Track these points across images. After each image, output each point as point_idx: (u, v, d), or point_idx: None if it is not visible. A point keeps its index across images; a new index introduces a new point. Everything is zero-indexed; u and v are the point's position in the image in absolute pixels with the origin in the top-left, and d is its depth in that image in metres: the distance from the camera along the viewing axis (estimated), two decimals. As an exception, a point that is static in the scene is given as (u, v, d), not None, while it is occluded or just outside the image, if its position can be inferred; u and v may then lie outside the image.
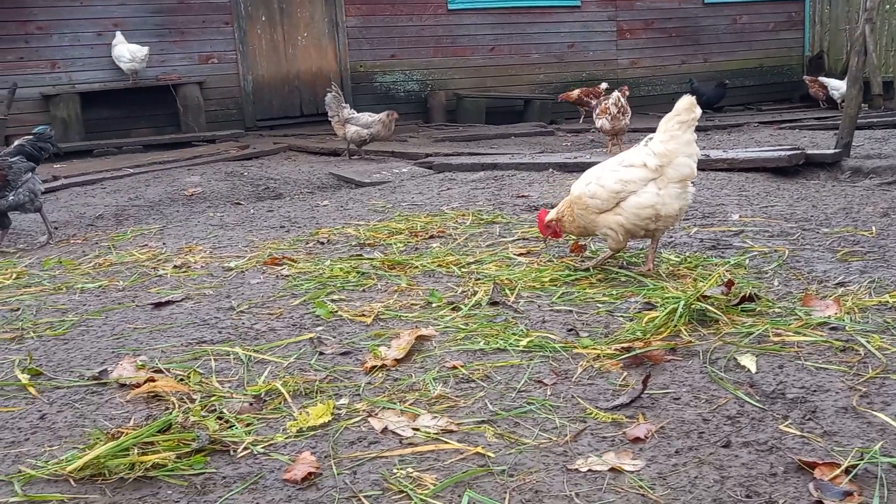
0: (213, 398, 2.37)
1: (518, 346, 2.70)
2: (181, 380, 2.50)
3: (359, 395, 2.39)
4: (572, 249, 3.95)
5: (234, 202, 6.39)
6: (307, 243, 4.39)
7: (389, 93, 11.66)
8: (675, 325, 2.73)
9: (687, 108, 3.23)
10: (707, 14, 13.96)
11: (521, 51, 12.60)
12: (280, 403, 2.34)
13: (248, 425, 2.19)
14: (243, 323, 3.06)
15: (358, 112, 8.52)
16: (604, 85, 11.43)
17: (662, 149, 3.26)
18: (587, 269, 3.56)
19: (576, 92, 11.59)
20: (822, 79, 13.16)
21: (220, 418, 2.22)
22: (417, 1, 11.74)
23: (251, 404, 2.33)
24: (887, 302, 2.91)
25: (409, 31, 11.76)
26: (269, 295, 3.43)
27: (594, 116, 7.99)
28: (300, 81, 11.10)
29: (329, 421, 2.20)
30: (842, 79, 11.06)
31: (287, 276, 3.71)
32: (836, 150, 6.03)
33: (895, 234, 3.90)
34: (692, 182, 3.38)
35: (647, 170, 3.29)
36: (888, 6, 13.15)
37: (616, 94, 7.68)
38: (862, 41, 6.28)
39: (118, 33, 9.81)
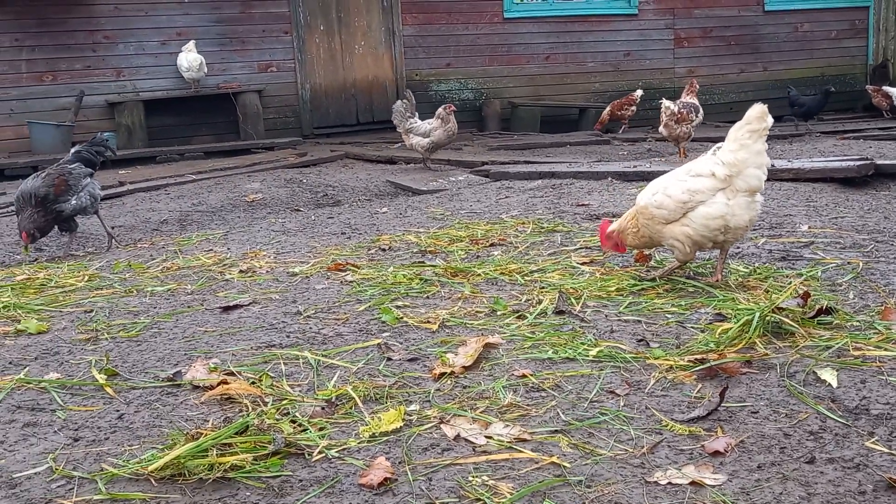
0: (284, 401, 2.39)
1: (587, 356, 2.67)
2: (253, 383, 2.52)
3: (429, 401, 2.39)
4: (637, 259, 3.90)
5: (294, 209, 6.46)
6: (369, 250, 4.41)
7: (444, 101, 11.66)
8: (750, 337, 2.67)
9: (759, 116, 3.17)
10: (767, 22, 13.71)
11: (577, 59, 12.54)
12: (351, 408, 2.35)
13: (321, 429, 2.20)
14: (310, 327, 3.09)
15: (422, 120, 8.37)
16: (638, 92, 11.31)
17: (732, 158, 3.20)
18: (653, 280, 3.51)
19: (605, 112, 11.47)
20: (887, 88, 12.83)
21: (293, 422, 2.23)
22: (473, 10, 11.77)
23: (323, 408, 2.34)
24: (971, 317, 2.81)
25: (464, 39, 11.79)
26: (335, 300, 3.45)
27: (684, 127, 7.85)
28: (356, 90, 11.21)
29: (401, 427, 2.20)
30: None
31: (351, 281, 3.73)
32: (908, 161, 5.86)
33: (975, 248, 3.77)
34: (760, 193, 3.31)
35: (716, 179, 3.23)
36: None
37: (670, 103, 7.67)
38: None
39: (191, 42, 10.03)
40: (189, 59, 9.98)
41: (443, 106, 8.22)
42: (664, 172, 3.63)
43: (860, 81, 14.40)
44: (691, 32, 13.24)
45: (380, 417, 2.24)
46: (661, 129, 7.73)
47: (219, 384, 2.47)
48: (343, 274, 3.87)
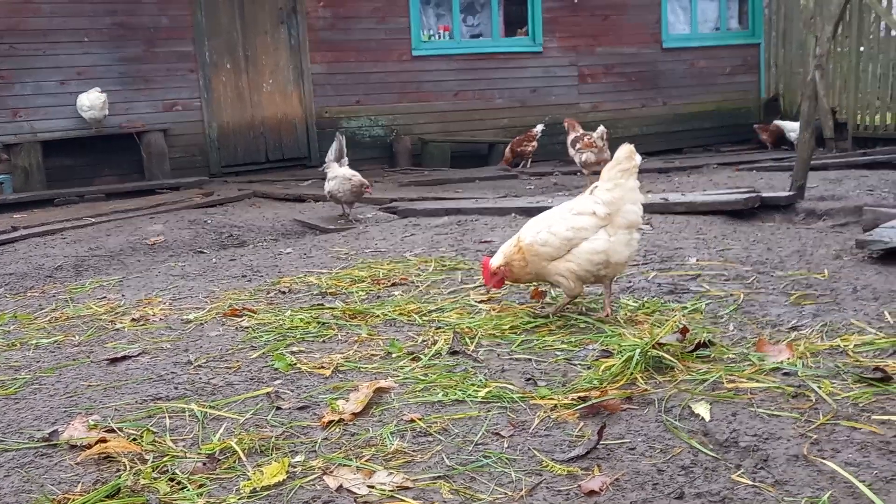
0: (165, 458, 2.34)
1: (477, 397, 2.70)
2: (134, 439, 2.46)
3: (315, 451, 2.37)
4: (533, 296, 3.98)
5: (198, 251, 6.35)
6: (268, 293, 4.37)
7: (355, 138, 11.71)
8: (632, 373, 2.75)
9: (627, 156, 3.37)
10: (666, 59, 14.27)
11: (485, 95, 12.77)
12: (235, 462, 2.31)
13: (200, 486, 2.16)
14: (200, 378, 3.03)
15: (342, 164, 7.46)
16: (538, 127, 11.61)
17: (609, 197, 3.37)
18: (547, 316, 3.58)
19: (507, 150, 11.72)
20: (779, 122, 13.49)
21: (172, 480, 2.19)
22: (382, 48, 11.88)
23: (205, 464, 2.30)
24: (839, 346, 2.97)
25: (373, 77, 11.87)
26: (228, 348, 3.40)
27: (574, 150, 8.26)
28: (265, 128, 11.13)
29: (284, 479, 2.18)
30: (797, 121, 11.33)
31: (247, 327, 3.68)
32: (791, 193, 6.17)
33: (847, 277, 3.98)
34: (639, 228, 3.45)
35: (597, 217, 3.37)
36: (840, 49, 13.56)
37: (602, 128, 8.09)
38: (812, 87, 6.47)
39: (96, 88, 9.79)
40: (90, 98, 9.74)
41: (362, 183, 7.19)
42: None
43: (754, 115, 15.10)
44: (594, 69, 13.67)
45: (263, 471, 2.22)
46: (588, 153, 8.07)
47: (97, 443, 2.40)
48: (239, 319, 3.82)
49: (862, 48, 13.27)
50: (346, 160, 7.50)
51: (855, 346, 2.95)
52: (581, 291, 3.55)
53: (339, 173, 7.23)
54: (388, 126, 12.08)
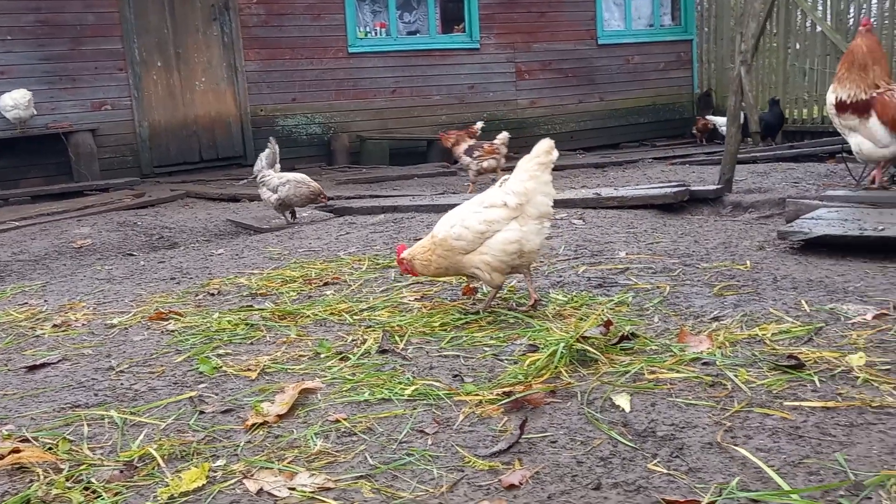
0: (82, 467, 2.28)
1: (403, 396, 2.70)
2: (49, 448, 2.39)
3: (237, 455, 2.34)
4: (464, 292, 3.99)
5: (127, 253, 6.21)
6: (197, 295, 4.30)
7: (291, 136, 11.61)
8: (556, 367, 2.78)
9: (547, 150, 3.45)
10: (601, 55, 14.47)
11: (423, 93, 12.77)
12: (153, 469, 2.27)
13: (116, 494, 2.11)
14: (122, 383, 2.97)
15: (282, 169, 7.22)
16: (479, 124, 11.66)
17: (522, 188, 3.45)
18: (477, 312, 3.60)
19: (453, 136, 11.76)
20: (710, 117, 13.78)
21: (87, 489, 2.13)
22: (317, 45, 11.78)
23: (122, 471, 2.25)
24: (757, 335, 3.05)
25: (309, 74, 11.77)
26: (152, 352, 3.33)
27: (472, 158, 8.35)
28: (198, 126, 10.94)
29: (203, 485, 2.14)
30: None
31: (173, 331, 3.61)
32: (719, 186, 6.32)
33: (768, 268, 4.09)
34: (548, 219, 3.55)
35: (508, 209, 3.44)
36: (769, 44, 13.92)
37: (505, 133, 8.20)
38: (738, 82, 6.62)
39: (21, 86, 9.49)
40: (14, 97, 9.44)
41: (320, 194, 6.93)
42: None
43: (688, 109, 15.42)
44: (531, 66, 13.78)
45: (181, 477, 2.18)
46: (491, 160, 8.19)
47: (10, 453, 2.32)
48: (165, 323, 3.75)
49: (789, 44, 13.66)
50: (278, 166, 7.19)
51: (772, 334, 3.04)
52: (502, 282, 3.59)
53: (291, 177, 6.85)
54: (326, 124, 12.00)
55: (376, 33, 12.49)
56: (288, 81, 11.64)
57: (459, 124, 12.72)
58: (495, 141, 8.40)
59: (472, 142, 8.69)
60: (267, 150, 7.18)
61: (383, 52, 12.38)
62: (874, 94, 5.61)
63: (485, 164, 8.26)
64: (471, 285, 4.01)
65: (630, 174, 9.63)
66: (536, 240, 3.51)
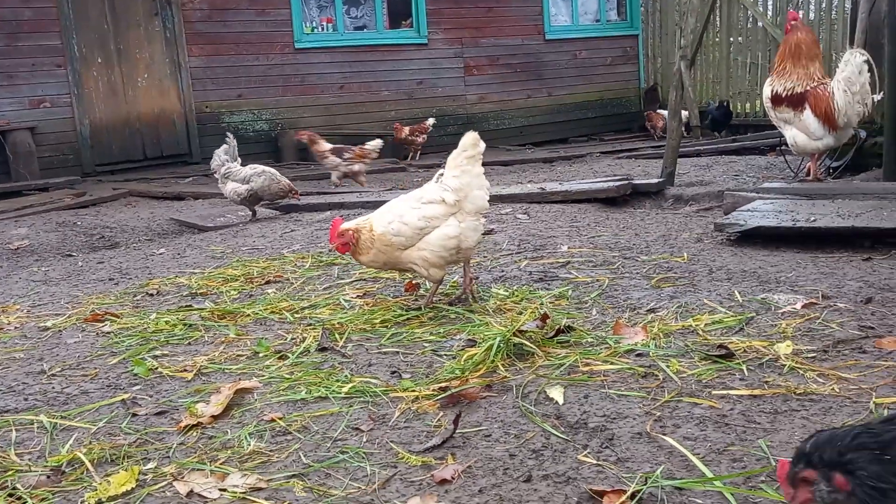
0: (8, 473, 2.23)
1: (340, 393, 2.69)
2: (-26, 456, 2.33)
3: (168, 457, 2.31)
4: (406, 289, 3.99)
5: (65, 254, 6.07)
6: (135, 296, 4.23)
7: (238, 133, 11.36)
8: (493, 361, 2.80)
9: (473, 143, 3.48)
10: (549, 50, 14.55)
11: (371, 88, 12.71)
12: (82, 473, 2.23)
13: (42, 500, 2.08)
14: (53, 387, 2.91)
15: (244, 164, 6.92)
16: (430, 121, 11.68)
17: (457, 184, 3.47)
18: (419, 308, 3.60)
19: (407, 129, 11.79)
20: (662, 111, 13.96)
21: (11, 495, 2.09)
22: (262, 40, 11.64)
23: (50, 477, 2.20)
24: (691, 325, 3.11)
25: (255, 70, 11.63)
26: (86, 355, 3.27)
27: (342, 159, 8.33)
28: (142, 124, 10.73)
29: (132, 489, 2.11)
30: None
31: (108, 332, 3.55)
32: (661, 180, 6.42)
33: (704, 259, 4.17)
34: (484, 214, 3.60)
35: (447, 205, 3.47)
36: (713, 39, 14.17)
37: (378, 140, 8.25)
38: (679, 77, 6.73)
39: None
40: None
41: (290, 189, 6.79)
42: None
43: (635, 104, 15.61)
44: (479, 61, 13.80)
45: (110, 481, 2.14)
46: (360, 164, 8.24)
47: (-68, 462, 2.26)
48: (101, 325, 3.68)
49: (732, 38, 13.92)
50: (239, 161, 7.02)
51: (705, 325, 3.10)
52: (441, 276, 3.61)
53: (262, 169, 6.68)
54: (273, 120, 11.87)
55: (323, 28, 12.39)
56: (233, 77, 11.48)
57: (409, 120, 12.73)
58: (367, 146, 8.37)
59: (336, 146, 8.65)
60: (225, 146, 7.05)
61: (330, 47, 12.29)
62: (808, 88, 5.76)
63: (354, 168, 8.20)
64: (413, 281, 4.01)
65: (578, 168, 9.73)
66: (474, 236, 3.54)
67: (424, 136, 11.74)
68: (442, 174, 3.54)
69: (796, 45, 5.84)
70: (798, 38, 5.88)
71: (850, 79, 5.71)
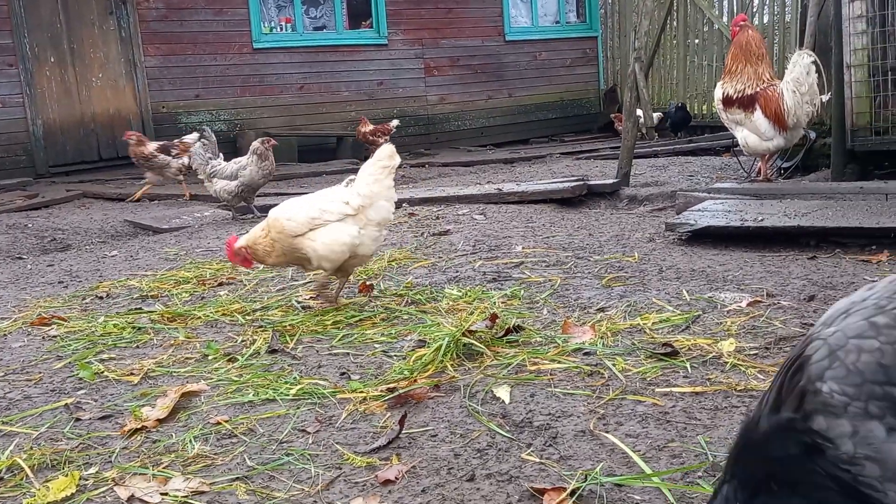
0: (-56, 481, 2.18)
1: (288, 395, 2.68)
2: None
3: (111, 462, 2.28)
4: (360, 290, 3.99)
5: (15, 257, 5.96)
6: (84, 299, 4.17)
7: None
8: (442, 362, 2.81)
9: (389, 154, 3.59)
10: (509, 51, 14.64)
11: (331, 89, 12.67)
12: (21, 479, 2.19)
13: (-23, 508, 2.04)
14: (-5, 393, 2.85)
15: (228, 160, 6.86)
16: (394, 122, 11.66)
17: (367, 191, 3.54)
18: (335, 308, 3.62)
19: (371, 126, 11.76)
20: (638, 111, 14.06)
21: (-54, 504, 2.05)
22: (220, 40, 11.54)
23: (-13, 484, 2.16)
24: (638, 324, 3.14)
25: (213, 70, 11.52)
26: (31, 359, 3.22)
27: (171, 155, 8.17)
28: (97, 124, 10.57)
29: (72, 494, 2.09)
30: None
31: (55, 336, 3.49)
32: (616, 181, 6.49)
33: (655, 259, 4.23)
34: (386, 227, 3.70)
35: (349, 207, 3.53)
36: (670, 41, 14.36)
37: (196, 134, 7.92)
38: (633, 78, 6.81)
39: None
40: None
41: (260, 139, 6.78)
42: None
43: (595, 105, 15.77)
44: (440, 62, 13.83)
45: (49, 486, 2.11)
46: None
47: None
48: (47, 328, 3.62)
49: (689, 41, 14.12)
50: (222, 156, 6.88)
51: (653, 323, 3.14)
52: (332, 271, 3.64)
53: (243, 159, 6.54)
54: (231, 121, 11.77)
55: (282, 28, 12.32)
56: (191, 77, 11.37)
57: (371, 120, 12.72)
58: (187, 138, 8.10)
59: (160, 143, 8.51)
60: (203, 141, 6.81)
61: (289, 47, 12.23)
62: (758, 89, 5.86)
63: (185, 161, 8.04)
64: (367, 283, 4.01)
65: (537, 169, 9.79)
66: (372, 246, 3.61)
67: (387, 137, 11.71)
68: (352, 180, 3.61)
69: (746, 43, 5.94)
70: (748, 36, 5.99)
71: (799, 80, 5.82)
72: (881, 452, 1.17)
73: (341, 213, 3.51)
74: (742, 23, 6.05)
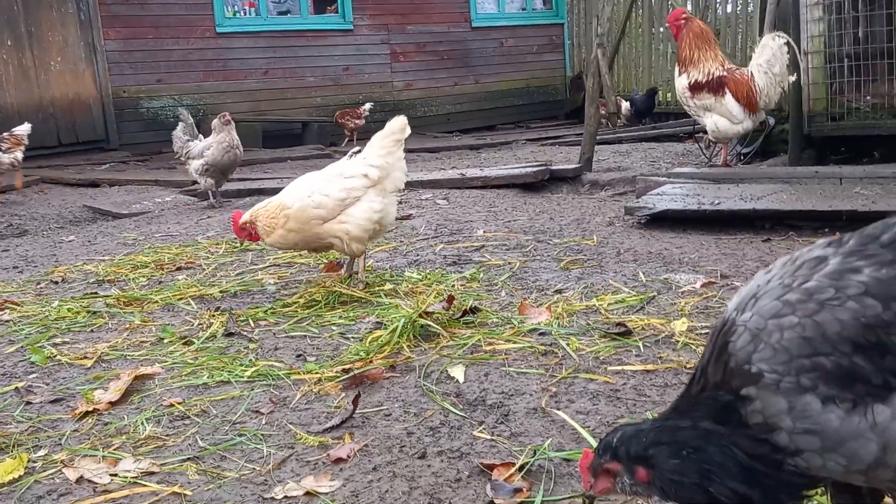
0: None
1: (242, 378, 2.67)
2: None
3: (60, 444, 2.26)
4: (326, 269, 3.97)
5: (-30, 243, 5.84)
6: (39, 284, 4.11)
7: (158, 119, 11.18)
8: (398, 343, 2.82)
9: (402, 128, 3.60)
10: (475, 37, 14.60)
11: (296, 74, 12.54)
12: (-32, 463, 2.16)
13: (-78, 492, 2.01)
14: (-56, 377, 2.81)
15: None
16: (367, 105, 11.62)
17: (382, 162, 3.55)
18: (356, 286, 3.59)
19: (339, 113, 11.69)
20: (600, 98, 14.07)
21: None
22: (182, 24, 11.36)
23: (-68, 468, 2.13)
24: (594, 305, 3.18)
25: (175, 54, 11.35)
26: (-18, 344, 3.17)
27: (2, 151, 7.64)
28: (56, 109, 10.36)
29: (20, 476, 2.07)
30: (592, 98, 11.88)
31: (7, 321, 3.44)
32: (578, 165, 6.52)
33: (613, 242, 4.27)
34: (400, 192, 3.71)
35: (368, 180, 3.53)
36: (636, 28, 14.43)
37: (28, 124, 7.63)
38: (595, 64, 6.84)
39: None
40: None
41: (219, 115, 6.56)
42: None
43: (561, 91, 15.80)
44: (406, 47, 13.76)
45: (-4, 469, 2.09)
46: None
47: None
48: (0, 313, 3.56)
49: (654, 29, 14.20)
50: (201, 137, 6.66)
51: (609, 304, 3.17)
52: (363, 251, 3.63)
53: (211, 138, 6.37)
54: (194, 106, 11.59)
55: (245, 13, 12.17)
56: (152, 62, 11.19)
57: (336, 106, 12.62)
58: (17, 131, 7.66)
59: None
60: (181, 124, 6.67)
61: (253, 32, 12.07)
62: (725, 73, 5.93)
63: (17, 156, 7.62)
64: (336, 261, 4.00)
65: (502, 155, 9.81)
66: (393, 211, 3.65)
67: (359, 120, 11.63)
68: (356, 153, 3.62)
69: (702, 31, 5.99)
70: (700, 25, 6.04)
71: (771, 61, 5.88)
72: (819, 424, 1.21)
73: (364, 187, 3.51)
74: (684, 16, 6.07)
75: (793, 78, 5.87)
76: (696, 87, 5.98)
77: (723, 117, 5.91)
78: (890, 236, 1.29)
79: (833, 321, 1.21)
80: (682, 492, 1.30)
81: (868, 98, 5.89)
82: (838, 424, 1.19)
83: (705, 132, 6.37)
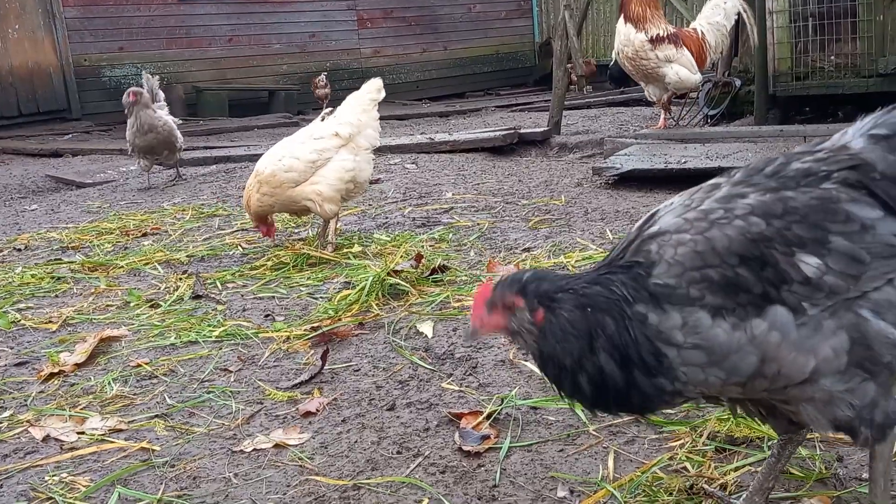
0: None
1: (211, 337, 2.66)
2: None
3: (26, 405, 2.24)
4: (263, 234, 3.82)
5: (-71, 214, 5.72)
6: (1, 251, 4.04)
7: (120, 88, 10.90)
8: (367, 301, 2.82)
9: (378, 88, 3.68)
10: (443, 3, 14.47)
11: (262, 41, 12.37)
12: (-69, 426, 2.14)
13: None
14: None
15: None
16: (322, 76, 11.34)
17: (355, 119, 3.58)
18: (325, 248, 3.57)
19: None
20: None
21: None
22: (144, -10, 11.14)
23: None
24: (562, 262, 3.20)
25: (137, 21, 11.12)
26: (-56, 311, 3.11)
27: None
28: (15, 78, 10.13)
29: (-15, 437, 2.05)
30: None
31: (-31, 288, 3.39)
32: (547, 129, 6.52)
33: (581, 202, 4.29)
34: (374, 150, 3.71)
35: (340, 138, 3.54)
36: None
37: None
38: (563, 27, 6.81)
39: None
40: None
41: (126, 92, 5.80)
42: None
43: (530, 58, 15.74)
44: (373, 13, 13.61)
45: (-40, 431, 2.07)
46: None
47: None
48: (-39, 281, 3.50)
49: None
50: (162, 104, 6.08)
51: (576, 261, 3.19)
52: (337, 211, 3.61)
53: (137, 121, 5.63)
54: (158, 74, 11.34)
55: (209, -22, 11.94)
56: (114, 29, 10.96)
57: (302, 74, 12.48)
58: None
59: None
60: (143, 87, 5.94)
61: (217, -2, 11.87)
62: (675, 30, 5.97)
63: None
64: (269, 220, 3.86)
65: (471, 122, 9.77)
66: (368, 168, 3.63)
67: (324, 90, 11.45)
68: (327, 114, 3.64)
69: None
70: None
71: (714, 12, 6.02)
72: (707, 339, 1.29)
73: (336, 146, 3.51)
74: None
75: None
76: (657, 40, 5.97)
77: (684, 67, 5.93)
78: (772, 168, 1.40)
79: (722, 237, 1.30)
80: (563, 346, 1.30)
81: (832, 58, 5.93)
82: (724, 339, 1.27)
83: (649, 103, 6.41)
